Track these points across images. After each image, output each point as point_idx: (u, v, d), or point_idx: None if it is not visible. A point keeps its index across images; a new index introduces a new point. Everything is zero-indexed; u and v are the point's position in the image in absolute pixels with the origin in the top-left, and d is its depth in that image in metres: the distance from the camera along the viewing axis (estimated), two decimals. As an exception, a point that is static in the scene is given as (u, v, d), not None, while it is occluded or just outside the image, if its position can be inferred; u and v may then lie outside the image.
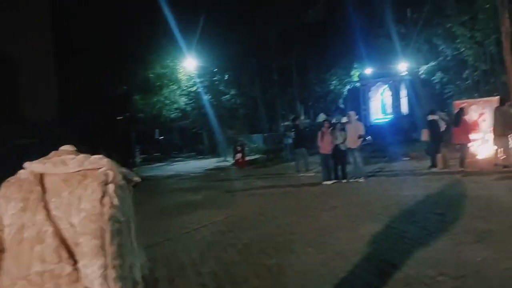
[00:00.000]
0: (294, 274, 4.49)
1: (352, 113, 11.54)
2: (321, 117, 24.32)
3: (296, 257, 5.07)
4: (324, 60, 28.58)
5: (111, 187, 1.28)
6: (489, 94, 18.06)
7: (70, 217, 1.26)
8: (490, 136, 11.69)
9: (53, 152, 1.39)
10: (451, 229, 5.67)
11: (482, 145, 12.88)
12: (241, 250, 5.52)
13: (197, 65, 24.13)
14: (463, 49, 22.27)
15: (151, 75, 23.91)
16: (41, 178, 1.33)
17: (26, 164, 1.36)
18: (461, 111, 11.58)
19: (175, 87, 24.24)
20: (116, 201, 1.27)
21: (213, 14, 22.78)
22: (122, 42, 21.36)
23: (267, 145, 24.37)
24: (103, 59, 20.84)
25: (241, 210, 8.31)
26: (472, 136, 11.82)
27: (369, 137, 12.30)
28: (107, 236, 1.22)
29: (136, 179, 1.46)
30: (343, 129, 11.10)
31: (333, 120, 13.41)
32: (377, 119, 33.53)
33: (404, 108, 32.89)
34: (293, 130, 14.88)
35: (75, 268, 1.23)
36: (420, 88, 25.79)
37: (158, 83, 24.10)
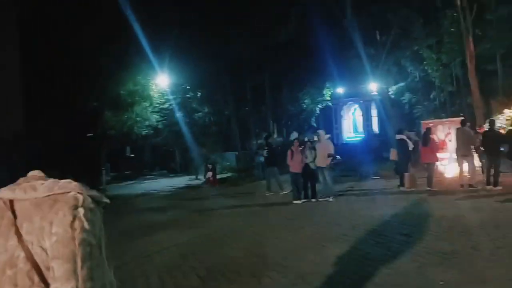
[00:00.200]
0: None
1: (321, 132, 11.55)
2: (294, 135, 24.34)
3: (257, 282, 4.88)
4: (297, 79, 28.88)
5: (81, 211, 1.29)
6: (455, 114, 18.61)
7: (42, 241, 1.27)
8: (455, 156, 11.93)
9: (22, 178, 1.39)
10: (416, 250, 5.62)
11: (449, 165, 13.15)
12: (202, 275, 5.28)
13: (169, 82, 23.94)
14: (430, 71, 23.03)
15: (122, 91, 23.51)
16: (11, 204, 1.34)
17: None
18: (428, 131, 11.80)
19: (147, 104, 23.86)
20: (86, 225, 1.28)
21: (186, 32, 22.75)
22: (93, 58, 20.97)
23: (240, 163, 24.20)
24: (72, 75, 20.39)
25: (207, 231, 8.07)
26: (439, 155, 12.04)
27: (339, 156, 12.31)
28: (79, 260, 1.23)
29: (105, 200, 1.43)
30: (313, 148, 11.08)
31: (306, 139, 13.38)
32: (348, 137, 34.06)
33: (375, 127, 33.55)
34: (266, 148, 14.77)
35: None
36: (390, 108, 26.38)
37: (130, 100, 23.70)
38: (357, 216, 8.32)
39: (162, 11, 22.74)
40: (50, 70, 19.82)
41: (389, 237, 6.44)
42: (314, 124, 31.60)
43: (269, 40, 25.29)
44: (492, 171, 10.42)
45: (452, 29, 20.22)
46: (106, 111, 23.94)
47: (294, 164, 11.08)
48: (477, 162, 11.56)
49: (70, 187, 1.34)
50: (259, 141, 26.04)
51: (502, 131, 11.28)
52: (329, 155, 10.85)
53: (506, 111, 13.52)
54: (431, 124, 13.80)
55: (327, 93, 32.10)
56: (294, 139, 12.61)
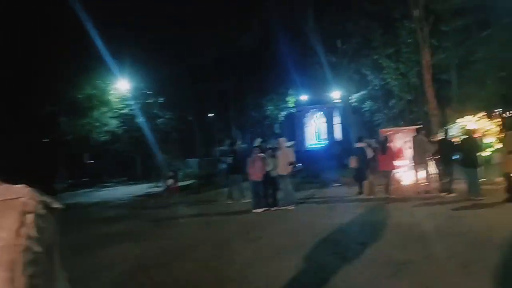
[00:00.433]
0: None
1: (282, 139, 11.51)
2: (258, 142, 24.32)
3: (209, 298, 4.68)
4: (261, 85, 28.94)
5: (29, 217, 1.15)
6: (413, 122, 19.10)
7: None
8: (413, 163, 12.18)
9: None
10: (371, 260, 5.59)
11: (407, 172, 13.40)
12: (151, 291, 5.03)
13: (130, 87, 23.35)
14: (389, 79, 23.60)
15: (80, 96, 22.72)
16: None
17: None
18: (386, 139, 11.98)
19: (106, 109, 23.19)
20: (33, 232, 1.15)
21: (147, 37, 22.27)
22: (48, 62, 20.13)
23: (202, 170, 23.87)
24: (27, 78, 19.49)
25: (161, 243, 7.77)
26: (397, 163, 12.25)
27: (300, 164, 12.32)
28: (18, 268, 1.09)
29: (58, 206, 1.30)
30: (273, 156, 10.99)
31: (269, 146, 13.26)
32: (311, 145, 34.39)
33: (338, 134, 34.05)
34: (231, 155, 14.49)
35: None
36: (352, 116, 26.84)
37: (88, 105, 22.93)
38: (316, 225, 8.27)
39: (122, 15, 22.18)
40: (4, 71, 18.84)
41: (346, 247, 6.40)
42: (278, 131, 31.76)
43: (233, 46, 25.24)
44: (447, 178, 10.72)
45: (410, 40, 20.83)
46: (62, 115, 23.06)
47: (255, 172, 10.95)
48: (433, 169, 11.83)
49: (22, 192, 1.30)
50: (222, 148, 25.83)
51: (455, 139, 11.60)
52: (290, 163, 10.80)
53: (459, 120, 13.97)
54: (390, 132, 14.05)
55: (290, 100, 32.37)
56: (255, 147, 12.50)
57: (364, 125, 27.16)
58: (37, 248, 1.22)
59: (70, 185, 23.71)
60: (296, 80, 28.37)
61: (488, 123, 12.66)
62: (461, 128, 14.75)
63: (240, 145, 28.85)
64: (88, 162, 28.64)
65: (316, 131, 37.19)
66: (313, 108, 35.79)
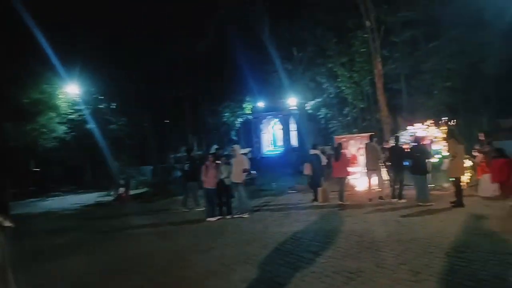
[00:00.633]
0: None
1: (236, 146, 11.30)
2: (213, 149, 24.03)
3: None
4: (218, 92, 28.69)
5: None
6: (367, 130, 19.53)
7: None
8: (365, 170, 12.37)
9: None
10: (323, 269, 5.50)
11: (360, 179, 13.62)
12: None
13: (80, 92, 22.36)
14: (344, 88, 24.12)
15: (25, 100, 21.49)
16: None
17: None
18: (340, 146, 12.09)
19: (54, 114, 22.05)
20: None
21: (98, 41, 21.43)
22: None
23: (157, 178, 23.21)
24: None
25: (108, 257, 7.33)
26: (350, 169, 12.41)
27: (254, 171, 12.18)
28: None
29: (9, 225, 1.11)
30: (228, 163, 10.78)
31: (226, 152, 13.04)
32: (268, 151, 34.51)
33: (294, 141, 34.38)
34: (187, 162, 14.07)
35: None
36: (308, 123, 27.17)
37: (34, 110, 21.72)
38: (269, 234, 8.12)
39: (74, 18, 21.27)
40: None
41: (298, 256, 6.29)
42: (235, 138, 31.61)
43: (189, 53, 24.85)
44: (397, 185, 10.96)
45: (363, 49, 21.42)
46: (5, 121, 21.70)
47: (208, 180, 10.70)
48: (385, 175, 12.07)
49: None
50: (177, 155, 25.26)
51: (406, 146, 11.91)
52: (244, 170, 10.62)
53: (409, 127, 14.40)
54: (343, 139, 14.26)
55: (247, 106, 32.35)
56: (210, 154, 12.25)
57: (319, 132, 27.58)
58: None
59: (14, 195, 22.26)
60: (253, 87, 28.41)
61: (436, 131, 13.10)
62: (411, 136, 15.22)
63: (196, 152, 28.44)
64: (35, 169, 27.08)
65: (273, 138, 37.38)
66: (269, 115, 35.97)
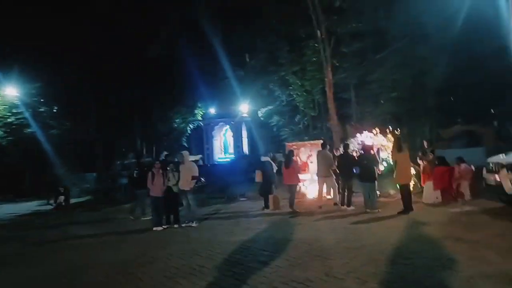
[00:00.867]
0: None
1: (185, 153, 10.94)
2: (163, 155, 23.38)
3: None
4: (168, 97, 27.99)
5: None
6: (317, 137, 19.81)
7: None
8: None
9: None
10: (271, 280, 5.32)
11: (311, 186, 13.68)
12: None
13: (19, 94, 20.96)
14: (295, 96, 24.41)
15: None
16: None
17: None
18: (291, 153, 12.10)
19: (-13, 118, 20.51)
20: None
21: (39, 40, 20.20)
22: None
23: (102, 185, 22.15)
24: None
25: (40, 271, 6.73)
26: (300, 176, 12.42)
27: (203, 179, 11.87)
28: None
29: None
30: (176, 170, 10.39)
31: (176, 159, 12.57)
32: (219, 158, 34.18)
33: (246, 148, 34.32)
34: (136, 169, 13.41)
35: None
36: (260, 130, 27.22)
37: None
38: (217, 243, 7.85)
39: (17, 19, 19.96)
40: None
41: (246, 266, 6.08)
42: (185, 144, 31.00)
43: (139, 58, 24.07)
44: (346, 192, 11.07)
45: (314, 58, 21.81)
46: None
47: (155, 188, 10.28)
48: (335, 183, 12.16)
49: None
50: (124, 162, 24.33)
51: (354, 154, 12.10)
52: (193, 177, 10.28)
53: (358, 135, 14.72)
54: (294, 146, 14.30)
55: (198, 112, 31.86)
56: (157, 161, 11.81)
57: (271, 139, 27.68)
58: None
59: None
60: (205, 93, 28.07)
61: (383, 139, 13.46)
62: (359, 143, 15.55)
63: (146, 158, 27.54)
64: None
65: (224, 144, 37.09)
66: (221, 122, 35.70)
